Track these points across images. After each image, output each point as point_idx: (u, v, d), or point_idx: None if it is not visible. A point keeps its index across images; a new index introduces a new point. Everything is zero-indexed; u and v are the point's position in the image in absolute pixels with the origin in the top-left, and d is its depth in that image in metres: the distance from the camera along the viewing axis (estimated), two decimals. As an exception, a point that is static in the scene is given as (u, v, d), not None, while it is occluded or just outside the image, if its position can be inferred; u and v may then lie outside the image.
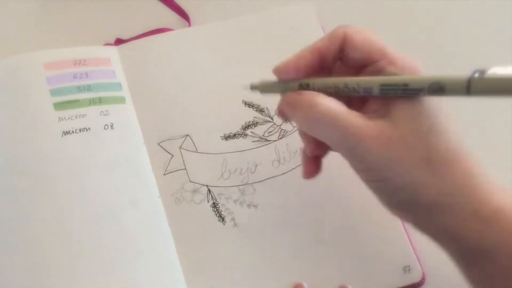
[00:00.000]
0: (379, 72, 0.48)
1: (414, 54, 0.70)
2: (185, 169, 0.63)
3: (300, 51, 0.51)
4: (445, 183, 0.46)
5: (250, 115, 0.66)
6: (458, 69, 0.69)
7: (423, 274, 0.60)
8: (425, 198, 0.47)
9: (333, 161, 0.54)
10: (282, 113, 0.53)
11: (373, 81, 0.47)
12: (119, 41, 0.69)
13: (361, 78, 0.48)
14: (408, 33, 0.73)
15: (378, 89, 0.47)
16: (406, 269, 0.60)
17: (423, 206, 0.47)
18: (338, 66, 0.52)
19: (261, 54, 0.68)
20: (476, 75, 0.43)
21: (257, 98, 0.64)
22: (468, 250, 0.47)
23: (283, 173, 0.64)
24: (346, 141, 0.48)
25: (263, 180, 0.63)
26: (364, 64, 0.50)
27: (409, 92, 0.46)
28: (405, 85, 0.46)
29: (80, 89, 0.64)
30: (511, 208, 0.45)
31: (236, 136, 0.65)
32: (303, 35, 0.70)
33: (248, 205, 0.62)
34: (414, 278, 0.60)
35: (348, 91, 0.48)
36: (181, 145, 0.64)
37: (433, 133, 0.46)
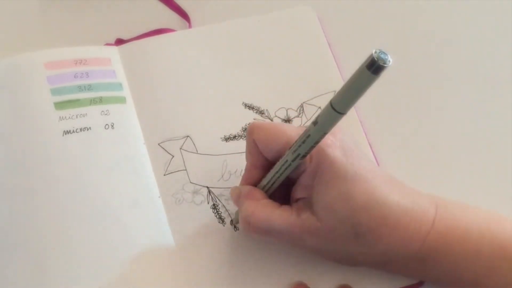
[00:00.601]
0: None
1: (413, 54, 0.71)
2: (186, 170, 0.64)
3: (246, 171, 0.59)
4: (375, 248, 0.53)
5: (250, 116, 0.66)
6: (456, 68, 0.70)
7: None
8: (365, 262, 0.57)
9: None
10: None
11: (286, 155, 0.52)
12: (119, 41, 0.70)
13: (276, 165, 0.55)
14: (408, 32, 0.74)
15: (293, 156, 0.52)
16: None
17: (366, 265, 0.59)
18: None
19: (262, 56, 0.69)
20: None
21: (258, 100, 0.65)
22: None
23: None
24: (283, 240, 0.57)
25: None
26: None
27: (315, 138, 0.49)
28: (307, 136, 0.49)
29: (80, 88, 0.65)
30: (441, 247, 0.53)
31: (237, 137, 0.65)
32: (304, 37, 0.71)
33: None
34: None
35: (278, 180, 0.55)
36: (182, 146, 0.64)
37: (354, 211, 0.51)
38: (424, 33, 0.74)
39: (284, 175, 0.54)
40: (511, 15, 0.75)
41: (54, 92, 0.64)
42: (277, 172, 0.54)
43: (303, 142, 0.49)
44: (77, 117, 0.64)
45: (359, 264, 0.58)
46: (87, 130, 0.63)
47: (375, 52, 0.40)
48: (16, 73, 0.65)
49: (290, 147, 0.52)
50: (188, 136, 0.65)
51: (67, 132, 0.63)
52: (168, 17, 0.73)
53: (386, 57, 0.40)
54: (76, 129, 0.63)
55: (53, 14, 0.73)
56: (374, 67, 0.40)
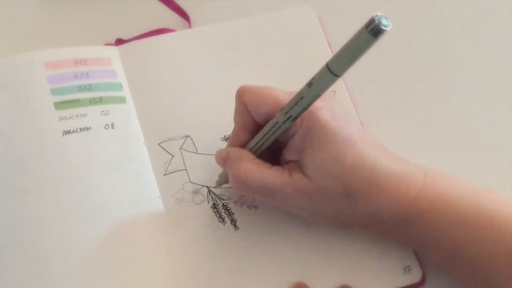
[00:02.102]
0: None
1: (413, 53, 0.72)
2: (186, 169, 0.65)
3: (233, 134, 0.60)
4: (364, 209, 0.56)
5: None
6: (456, 66, 0.71)
7: (423, 274, 0.62)
8: (354, 222, 0.59)
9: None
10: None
11: (277, 116, 0.54)
12: (119, 41, 0.71)
13: (265, 126, 0.56)
14: (407, 32, 0.75)
15: (284, 118, 0.54)
16: (406, 269, 0.62)
17: (356, 226, 0.61)
18: None
19: (262, 56, 0.71)
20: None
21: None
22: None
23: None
24: (275, 199, 0.58)
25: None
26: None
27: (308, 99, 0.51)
28: (301, 97, 0.51)
29: (80, 88, 0.66)
30: (427, 210, 0.55)
31: (236, 137, 0.66)
32: (304, 38, 0.73)
33: (248, 206, 0.64)
34: (414, 278, 0.62)
35: (267, 141, 0.57)
36: (182, 146, 0.66)
37: (344, 172, 0.54)
38: (424, 33, 0.75)
39: (274, 137, 0.56)
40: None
41: (54, 92, 0.66)
42: (266, 133, 0.56)
43: (296, 103, 0.51)
44: (77, 117, 0.65)
45: (348, 224, 0.61)
46: (87, 130, 0.65)
47: (376, 15, 0.42)
48: (16, 73, 0.66)
49: (282, 109, 0.54)
50: (188, 136, 0.66)
51: (67, 132, 0.64)
52: (168, 17, 0.75)
53: (386, 22, 0.42)
54: (76, 129, 0.65)
55: (53, 14, 0.74)
56: (374, 29, 0.42)
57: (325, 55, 0.71)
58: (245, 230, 0.63)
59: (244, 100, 0.58)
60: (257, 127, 0.58)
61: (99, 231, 0.61)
